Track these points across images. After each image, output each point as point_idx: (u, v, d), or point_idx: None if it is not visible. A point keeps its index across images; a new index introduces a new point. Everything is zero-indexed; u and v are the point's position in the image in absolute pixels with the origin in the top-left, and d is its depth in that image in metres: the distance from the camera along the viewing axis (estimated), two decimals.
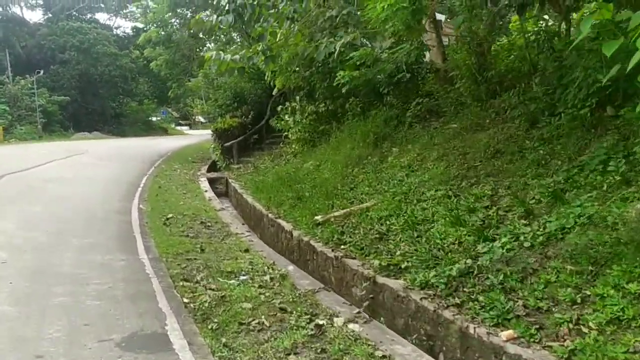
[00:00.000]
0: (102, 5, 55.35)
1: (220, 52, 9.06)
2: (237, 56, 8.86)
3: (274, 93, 15.88)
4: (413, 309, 4.69)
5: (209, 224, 8.54)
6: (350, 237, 6.60)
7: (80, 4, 50.86)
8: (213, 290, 4.90)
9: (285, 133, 14.86)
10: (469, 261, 4.84)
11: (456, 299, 4.39)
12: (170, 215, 8.91)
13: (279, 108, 15.04)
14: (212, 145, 18.81)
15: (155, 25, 23.51)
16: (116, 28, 58.71)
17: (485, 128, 8.17)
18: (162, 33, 22.96)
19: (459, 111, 9.44)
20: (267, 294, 4.81)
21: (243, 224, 10.29)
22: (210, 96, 23.19)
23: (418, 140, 9.25)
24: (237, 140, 16.80)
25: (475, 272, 4.65)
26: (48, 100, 42.55)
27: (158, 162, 18.98)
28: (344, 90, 9.30)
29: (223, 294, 4.77)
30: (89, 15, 54.73)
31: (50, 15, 51.34)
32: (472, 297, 4.33)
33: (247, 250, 6.81)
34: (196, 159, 20.54)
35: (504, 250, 4.77)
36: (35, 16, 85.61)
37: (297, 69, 12.94)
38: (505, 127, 7.73)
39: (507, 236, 5.01)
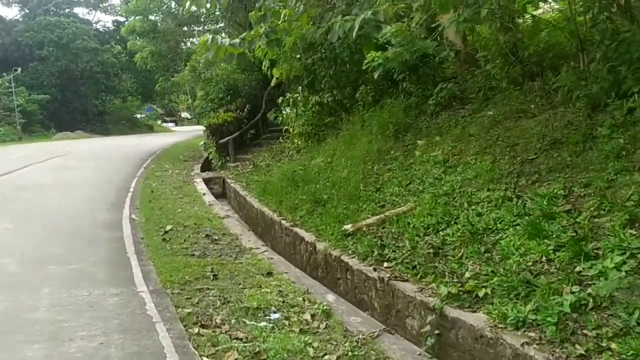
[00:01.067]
0: None
1: (217, 36, 7.86)
2: (236, 40, 7.69)
3: (272, 84, 14.66)
4: (509, 357, 3.54)
5: (216, 237, 7.28)
6: (394, 251, 5.44)
7: None
8: (241, 340, 3.66)
9: (286, 127, 13.71)
10: (576, 289, 3.69)
11: (577, 346, 3.24)
12: (168, 228, 7.64)
13: (279, 100, 13.83)
14: (205, 142, 17.56)
15: (138, 15, 22.00)
16: (96, 22, 56.95)
17: (531, 114, 7.12)
18: (147, 23, 21.49)
19: (489, 97, 8.45)
20: (314, 344, 3.59)
21: (249, 230, 9.15)
22: (197, 91, 21.90)
23: (448, 131, 8.18)
24: (233, 136, 15.50)
25: (591, 305, 3.51)
26: (27, 100, 40.90)
27: (147, 162, 17.71)
28: (376, 76, 8.13)
29: (257, 347, 3.53)
30: (67, 10, 52.84)
31: (27, 11, 49.34)
32: (601, 344, 3.18)
33: (269, 274, 5.57)
34: (187, 158, 19.35)
35: (622, 273, 3.64)
36: (11, 13, 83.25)
37: (299, 56, 11.77)
38: (559, 113, 6.66)
39: (616, 252, 3.89)
